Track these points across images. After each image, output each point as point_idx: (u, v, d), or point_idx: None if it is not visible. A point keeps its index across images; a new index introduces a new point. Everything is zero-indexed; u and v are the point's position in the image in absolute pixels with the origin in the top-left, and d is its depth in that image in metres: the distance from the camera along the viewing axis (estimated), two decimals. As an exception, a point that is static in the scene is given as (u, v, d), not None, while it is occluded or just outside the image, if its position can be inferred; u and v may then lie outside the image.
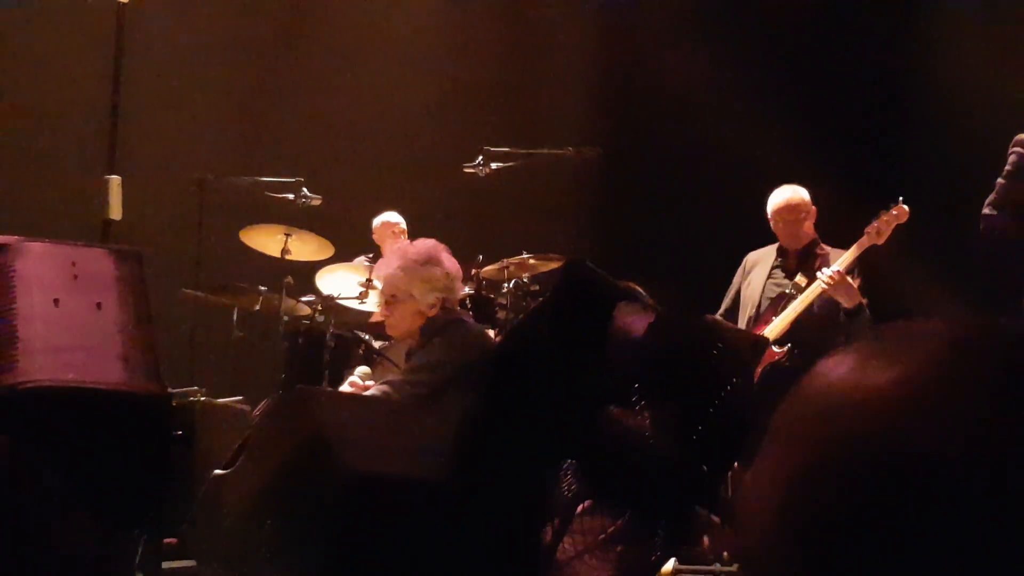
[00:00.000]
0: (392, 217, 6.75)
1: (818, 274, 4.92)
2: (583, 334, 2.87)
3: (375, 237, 6.70)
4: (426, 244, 4.10)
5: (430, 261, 4.03)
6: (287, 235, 5.98)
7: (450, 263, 4.09)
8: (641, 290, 3.12)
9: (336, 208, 6.44)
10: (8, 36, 6.67)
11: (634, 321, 2.89)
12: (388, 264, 4.09)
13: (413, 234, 6.77)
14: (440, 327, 4.00)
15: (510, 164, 6.03)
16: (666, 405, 2.78)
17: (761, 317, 5.11)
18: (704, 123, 6.82)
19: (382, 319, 6.28)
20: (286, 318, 5.80)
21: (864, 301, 4.89)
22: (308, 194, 6.14)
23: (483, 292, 5.87)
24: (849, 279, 4.88)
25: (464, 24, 7.68)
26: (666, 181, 7.07)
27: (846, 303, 4.88)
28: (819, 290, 4.91)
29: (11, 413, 2.94)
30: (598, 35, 7.54)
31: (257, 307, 6.01)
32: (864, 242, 4.97)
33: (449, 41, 7.70)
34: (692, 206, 6.95)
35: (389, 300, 4.05)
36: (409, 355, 4.17)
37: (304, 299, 6.01)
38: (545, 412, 2.73)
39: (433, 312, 4.00)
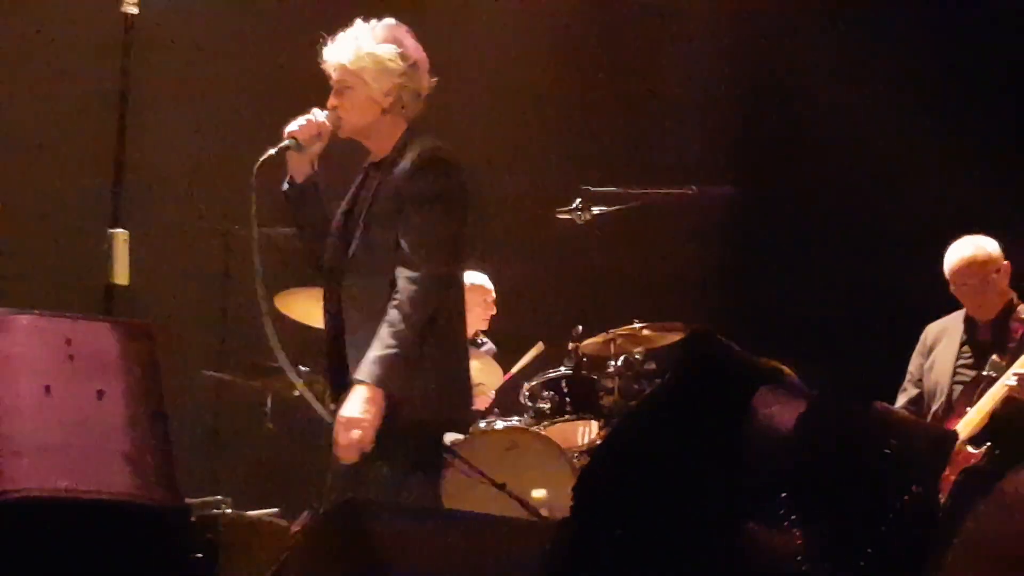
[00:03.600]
0: (477, 278, 6.79)
1: (1006, 376, 4.86)
2: (713, 427, 2.84)
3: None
4: (385, 22, 4.18)
5: (388, 40, 4.11)
6: (335, 301, 6.03)
7: (414, 48, 4.17)
8: (788, 370, 3.09)
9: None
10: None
11: (779, 411, 2.86)
12: (339, 45, 4.16)
13: (497, 301, 6.82)
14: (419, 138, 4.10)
15: (616, 208, 6.04)
16: (823, 521, 2.74)
17: (954, 409, 5.02)
18: (866, 157, 6.78)
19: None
20: (333, 407, 5.82)
21: None
22: (361, 249, 6.18)
23: (584, 372, 5.85)
24: None
25: (556, 38, 7.73)
26: (818, 231, 7.01)
27: None
28: (1005, 392, 4.85)
29: (-9, 530, 2.99)
30: (728, 47, 7.55)
31: (297, 393, 6.05)
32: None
33: (536, 58, 7.76)
34: (853, 262, 6.87)
35: (338, 88, 4.13)
36: (378, 167, 4.16)
37: (356, 382, 6.04)
38: (663, 531, 2.70)
39: (388, 102, 4.09)
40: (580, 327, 5.92)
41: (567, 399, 5.84)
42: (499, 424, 5.90)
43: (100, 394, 3.20)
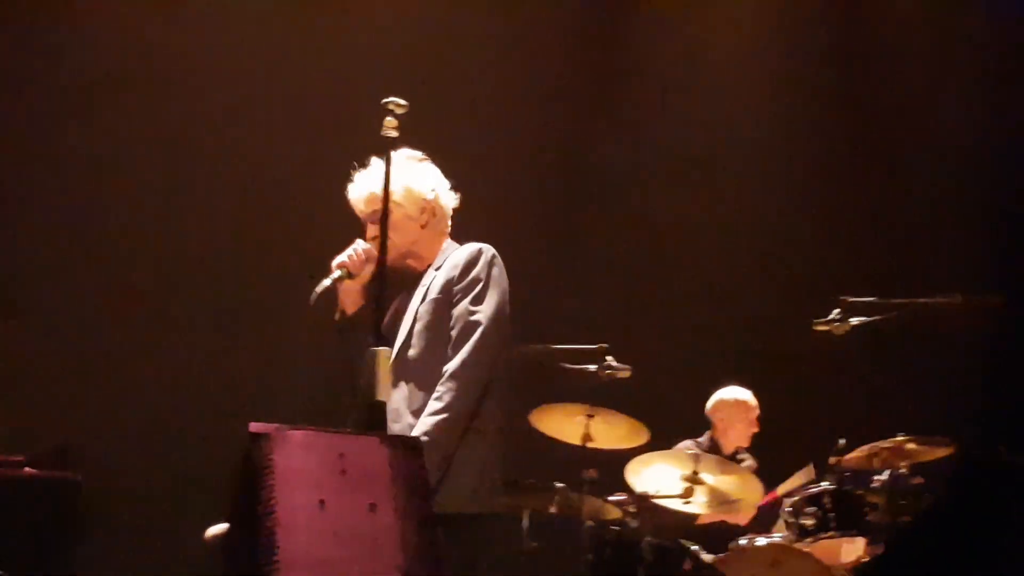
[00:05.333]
0: (741, 394, 6.77)
1: None
2: (995, 544, 2.77)
3: (715, 418, 6.76)
4: (400, 151, 4.26)
5: (407, 165, 4.29)
6: (589, 416, 6.07)
7: (432, 171, 4.39)
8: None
9: (650, 381, 6.50)
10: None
11: (1067, 527, 2.77)
12: (363, 181, 4.33)
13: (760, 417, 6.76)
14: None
15: (877, 319, 5.94)
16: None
17: None
18: None
19: (710, 519, 6.31)
20: (590, 523, 5.84)
21: None
22: (614, 364, 6.21)
23: (847, 487, 5.74)
24: None
25: (811, 148, 7.70)
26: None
27: None
28: None
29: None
30: (989, 152, 7.40)
31: (553, 509, 6.09)
32: None
33: (792, 168, 7.74)
34: None
35: (374, 217, 4.25)
36: (421, 277, 4.28)
37: (612, 498, 6.06)
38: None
39: (424, 218, 4.30)
40: (842, 440, 5.82)
41: (831, 515, 5.73)
42: (761, 541, 5.82)
43: (372, 507, 3.29)
